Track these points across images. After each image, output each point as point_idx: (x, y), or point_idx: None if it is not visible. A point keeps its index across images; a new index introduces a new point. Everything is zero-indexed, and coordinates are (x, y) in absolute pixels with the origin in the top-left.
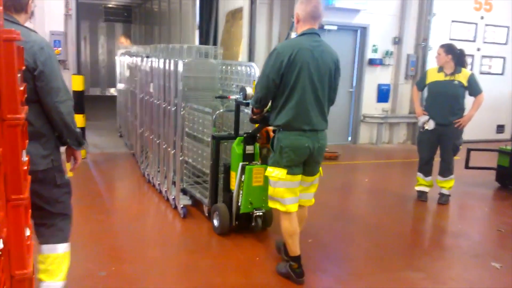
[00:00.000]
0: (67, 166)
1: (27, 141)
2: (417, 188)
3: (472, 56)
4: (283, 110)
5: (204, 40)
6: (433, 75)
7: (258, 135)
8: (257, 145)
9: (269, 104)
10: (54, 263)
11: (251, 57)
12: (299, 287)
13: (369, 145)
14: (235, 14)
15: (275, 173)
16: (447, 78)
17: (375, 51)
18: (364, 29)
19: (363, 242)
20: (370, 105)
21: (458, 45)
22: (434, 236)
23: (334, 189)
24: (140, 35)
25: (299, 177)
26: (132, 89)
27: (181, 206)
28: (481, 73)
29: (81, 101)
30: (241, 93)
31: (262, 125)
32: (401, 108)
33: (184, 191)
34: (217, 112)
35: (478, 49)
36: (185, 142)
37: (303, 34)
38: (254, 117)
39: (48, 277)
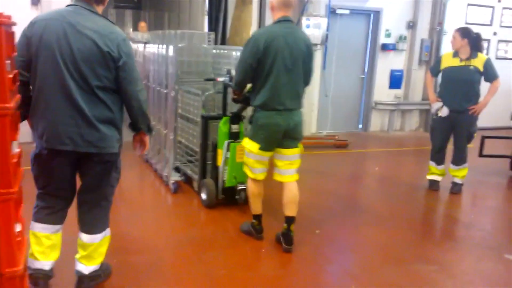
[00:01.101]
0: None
1: (18, 132)
2: (429, 177)
3: (489, 40)
4: (260, 91)
5: (213, 26)
6: (448, 60)
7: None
8: (242, 124)
9: (249, 85)
10: (96, 251)
11: None
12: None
13: (380, 132)
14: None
15: (249, 145)
16: (463, 63)
17: (388, 35)
18: (377, 13)
19: (373, 233)
20: (382, 92)
21: (475, 29)
22: (446, 227)
23: (344, 178)
24: (150, 22)
25: (270, 153)
26: None
27: (172, 182)
28: (497, 58)
29: None
30: (227, 75)
31: (244, 104)
32: (414, 94)
33: (177, 169)
34: (206, 93)
35: (495, 33)
36: (179, 123)
37: (277, 21)
38: (235, 97)
39: (89, 262)
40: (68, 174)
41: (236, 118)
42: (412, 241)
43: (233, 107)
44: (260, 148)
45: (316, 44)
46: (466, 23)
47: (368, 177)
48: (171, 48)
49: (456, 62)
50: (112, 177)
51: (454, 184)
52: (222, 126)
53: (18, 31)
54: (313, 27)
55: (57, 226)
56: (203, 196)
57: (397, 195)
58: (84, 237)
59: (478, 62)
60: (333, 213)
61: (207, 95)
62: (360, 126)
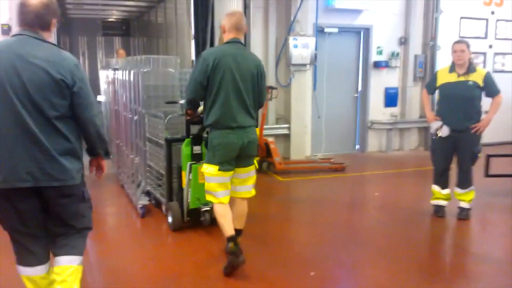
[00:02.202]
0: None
1: None
2: (433, 202)
3: (485, 53)
4: (211, 110)
5: (201, 49)
6: (444, 76)
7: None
8: (203, 145)
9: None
10: (73, 274)
11: None
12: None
13: (378, 153)
14: None
15: (208, 169)
16: (461, 78)
17: (380, 53)
18: (367, 30)
19: (374, 274)
20: (377, 111)
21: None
22: (456, 260)
23: (341, 206)
24: (139, 48)
25: (230, 173)
26: (108, 101)
27: (140, 206)
28: (494, 71)
29: None
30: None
31: (200, 125)
32: (411, 112)
33: (148, 193)
34: (169, 116)
35: (490, 46)
36: (148, 147)
37: (227, 42)
38: (188, 117)
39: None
40: (33, 212)
41: (197, 139)
42: (417, 280)
43: (195, 128)
44: (220, 169)
45: (305, 65)
46: (460, 37)
47: (367, 204)
48: (132, 73)
49: (453, 78)
50: (81, 208)
51: (461, 209)
52: (185, 148)
53: None
54: (301, 47)
55: (47, 263)
56: (169, 219)
57: (400, 224)
58: (62, 260)
59: (477, 76)
60: (329, 250)
61: (170, 118)
62: (358, 147)
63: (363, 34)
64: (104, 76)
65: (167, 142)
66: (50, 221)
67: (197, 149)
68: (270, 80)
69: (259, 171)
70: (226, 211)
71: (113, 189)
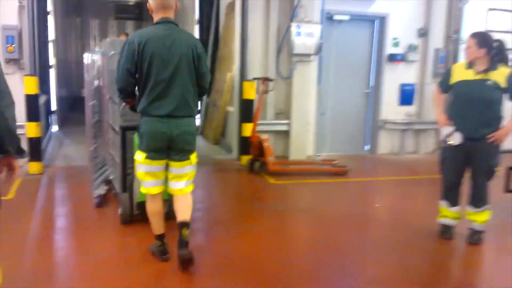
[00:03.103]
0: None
1: None
2: (440, 220)
3: None
4: (142, 97)
5: (205, 35)
6: (460, 73)
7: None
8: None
9: None
10: None
11: (243, 53)
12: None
13: (390, 155)
14: (233, 6)
15: (137, 156)
16: (478, 76)
17: (396, 45)
18: (382, 19)
19: None
20: (391, 109)
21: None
22: None
23: (331, 219)
24: None
25: (159, 162)
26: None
27: (95, 196)
28: None
29: (35, 106)
30: None
31: None
32: (428, 112)
33: (109, 183)
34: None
35: None
36: (110, 135)
37: (156, 23)
38: (129, 106)
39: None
40: None
41: None
42: None
43: None
44: (147, 157)
45: (308, 55)
46: (487, 30)
47: (363, 218)
48: (96, 56)
49: (469, 75)
50: None
51: (473, 231)
52: (135, 137)
53: None
54: (304, 36)
55: None
56: (119, 211)
57: (398, 246)
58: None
59: (499, 75)
60: (304, 279)
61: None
62: (367, 147)
63: (378, 23)
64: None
65: (121, 130)
66: None
67: None
68: (270, 71)
69: (250, 170)
70: (155, 207)
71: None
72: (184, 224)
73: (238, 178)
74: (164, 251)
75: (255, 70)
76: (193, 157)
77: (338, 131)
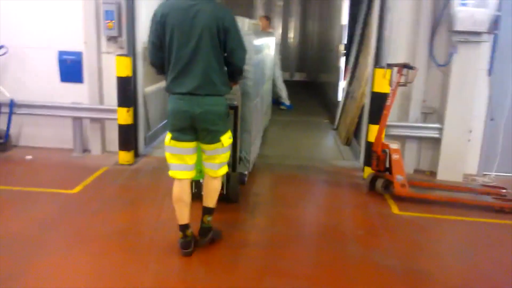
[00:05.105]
0: None
1: None
2: None
3: None
4: (167, 74)
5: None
6: None
7: None
8: None
9: None
10: None
11: (381, 27)
12: None
13: None
14: None
15: (166, 137)
16: None
17: None
18: None
19: None
20: None
21: None
22: None
23: None
24: None
25: (185, 144)
26: None
27: None
28: None
29: (127, 90)
30: None
31: None
32: None
33: None
34: None
35: None
36: None
37: None
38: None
39: None
40: None
41: None
42: None
43: None
44: (172, 138)
45: (478, 33)
46: None
47: None
48: None
49: None
50: None
51: None
52: None
53: None
54: (472, 6)
55: None
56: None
57: None
58: None
59: None
60: None
61: None
62: None
63: None
64: None
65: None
66: None
67: None
68: (420, 56)
69: (370, 189)
70: (179, 194)
71: None
72: (208, 211)
73: (348, 198)
74: (185, 244)
75: (399, 53)
76: (224, 138)
77: None
